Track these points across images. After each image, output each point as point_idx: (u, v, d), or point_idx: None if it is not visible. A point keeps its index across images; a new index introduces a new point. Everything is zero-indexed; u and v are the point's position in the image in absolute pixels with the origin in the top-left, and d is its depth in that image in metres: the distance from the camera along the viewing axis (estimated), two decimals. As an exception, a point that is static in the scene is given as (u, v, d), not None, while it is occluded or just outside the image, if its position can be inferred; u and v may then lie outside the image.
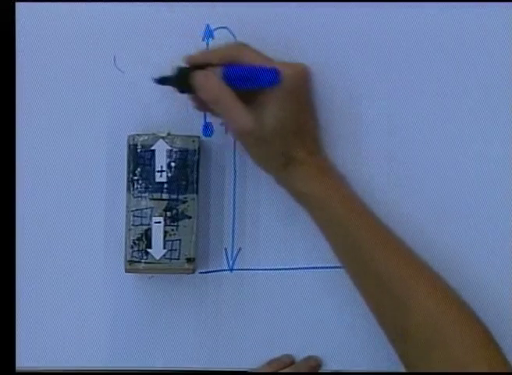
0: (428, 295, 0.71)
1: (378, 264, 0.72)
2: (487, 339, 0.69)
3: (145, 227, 0.76)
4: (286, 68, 0.73)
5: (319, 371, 0.80)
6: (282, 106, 0.73)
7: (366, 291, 0.74)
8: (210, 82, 0.73)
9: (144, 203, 0.76)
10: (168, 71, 0.75)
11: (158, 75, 0.75)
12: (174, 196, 0.76)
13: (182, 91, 0.76)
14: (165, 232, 0.76)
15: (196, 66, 0.74)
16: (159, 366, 0.81)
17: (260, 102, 0.73)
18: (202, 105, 0.76)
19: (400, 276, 0.72)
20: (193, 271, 0.77)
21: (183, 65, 0.75)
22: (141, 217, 0.76)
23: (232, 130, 0.75)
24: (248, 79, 0.73)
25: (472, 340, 0.69)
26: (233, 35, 0.80)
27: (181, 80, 0.75)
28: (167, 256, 0.76)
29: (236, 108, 0.72)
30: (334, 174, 0.77)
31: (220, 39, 0.80)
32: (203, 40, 0.80)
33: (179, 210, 0.76)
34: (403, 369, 0.75)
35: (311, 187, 0.74)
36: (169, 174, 0.76)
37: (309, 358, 0.80)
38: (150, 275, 0.79)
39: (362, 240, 0.73)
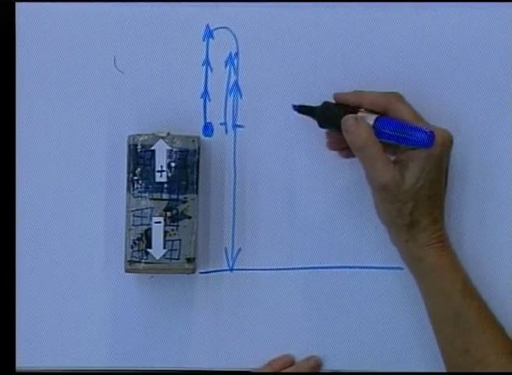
0: None
1: (476, 348, 0.72)
2: None
3: (145, 227, 0.76)
4: (436, 133, 0.72)
5: (319, 371, 0.80)
6: (424, 169, 0.72)
7: (454, 367, 0.74)
8: (360, 128, 0.72)
9: (144, 203, 0.76)
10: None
11: (299, 103, 0.77)
12: (174, 196, 0.76)
13: (321, 126, 0.76)
14: (165, 232, 0.76)
15: (343, 104, 0.75)
16: (159, 366, 0.81)
17: (401, 159, 0.73)
18: (335, 144, 0.77)
19: (495, 365, 0.71)
20: (194, 271, 0.77)
21: (330, 100, 0.76)
22: (141, 217, 0.76)
23: (369, 181, 0.74)
24: (401, 135, 0.71)
25: None
26: (233, 35, 0.80)
27: (325, 114, 0.75)
28: (167, 256, 0.76)
29: (380, 160, 0.72)
30: (450, 246, 0.76)
31: (220, 39, 0.80)
32: (203, 40, 0.80)
33: (179, 210, 0.76)
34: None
35: (427, 253, 0.74)
36: (169, 174, 0.76)
37: (309, 358, 0.80)
38: (150, 275, 0.79)
39: (465, 317, 0.73)
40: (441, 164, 0.74)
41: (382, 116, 0.73)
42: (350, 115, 0.73)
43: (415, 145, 0.71)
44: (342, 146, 0.77)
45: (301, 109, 0.77)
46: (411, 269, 0.76)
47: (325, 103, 0.76)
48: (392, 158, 0.74)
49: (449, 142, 0.75)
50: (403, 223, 0.74)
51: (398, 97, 0.75)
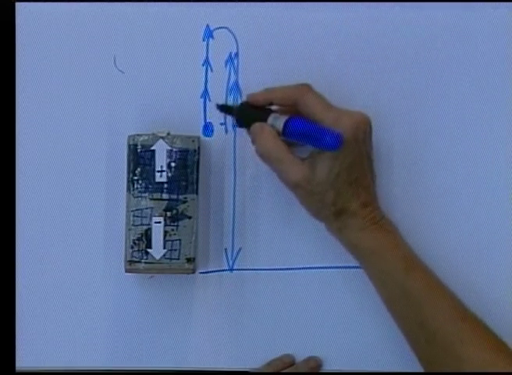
0: (482, 348, 0.70)
1: (431, 318, 0.71)
2: None
3: (145, 227, 0.76)
4: (345, 117, 0.72)
5: (319, 371, 0.80)
6: (338, 157, 0.72)
7: (416, 342, 0.73)
8: (264, 136, 0.73)
9: (144, 203, 0.76)
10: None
11: (222, 102, 0.78)
12: (174, 196, 0.76)
13: (239, 125, 0.77)
14: (165, 232, 0.76)
15: (257, 104, 0.75)
16: (159, 366, 0.81)
17: (314, 153, 0.73)
18: None
19: (453, 331, 0.71)
20: (194, 271, 0.77)
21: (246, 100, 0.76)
22: (141, 217, 0.76)
23: (284, 184, 0.74)
24: (309, 138, 0.70)
25: None
26: (233, 35, 0.80)
27: (240, 115, 0.76)
28: (167, 256, 0.76)
29: (286, 161, 0.72)
30: (386, 225, 0.75)
31: (220, 39, 0.80)
32: (203, 40, 0.80)
33: (179, 210, 0.76)
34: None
35: (362, 238, 0.74)
36: (169, 174, 0.76)
37: (309, 358, 0.80)
38: (150, 275, 0.79)
39: (413, 291, 0.72)
40: (354, 148, 0.72)
41: (292, 117, 0.72)
42: (258, 123, 0.74)
43: (323, 148, 0.70)
44: None
45: (222, 108, 0.77)
46: (352, 255, 0.76)
47: (242, 104, 0.76)
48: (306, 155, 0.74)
49: (363, 125, 0.73)
50: (329, 213, 0.73)
51: (306, 88, 0.74)
